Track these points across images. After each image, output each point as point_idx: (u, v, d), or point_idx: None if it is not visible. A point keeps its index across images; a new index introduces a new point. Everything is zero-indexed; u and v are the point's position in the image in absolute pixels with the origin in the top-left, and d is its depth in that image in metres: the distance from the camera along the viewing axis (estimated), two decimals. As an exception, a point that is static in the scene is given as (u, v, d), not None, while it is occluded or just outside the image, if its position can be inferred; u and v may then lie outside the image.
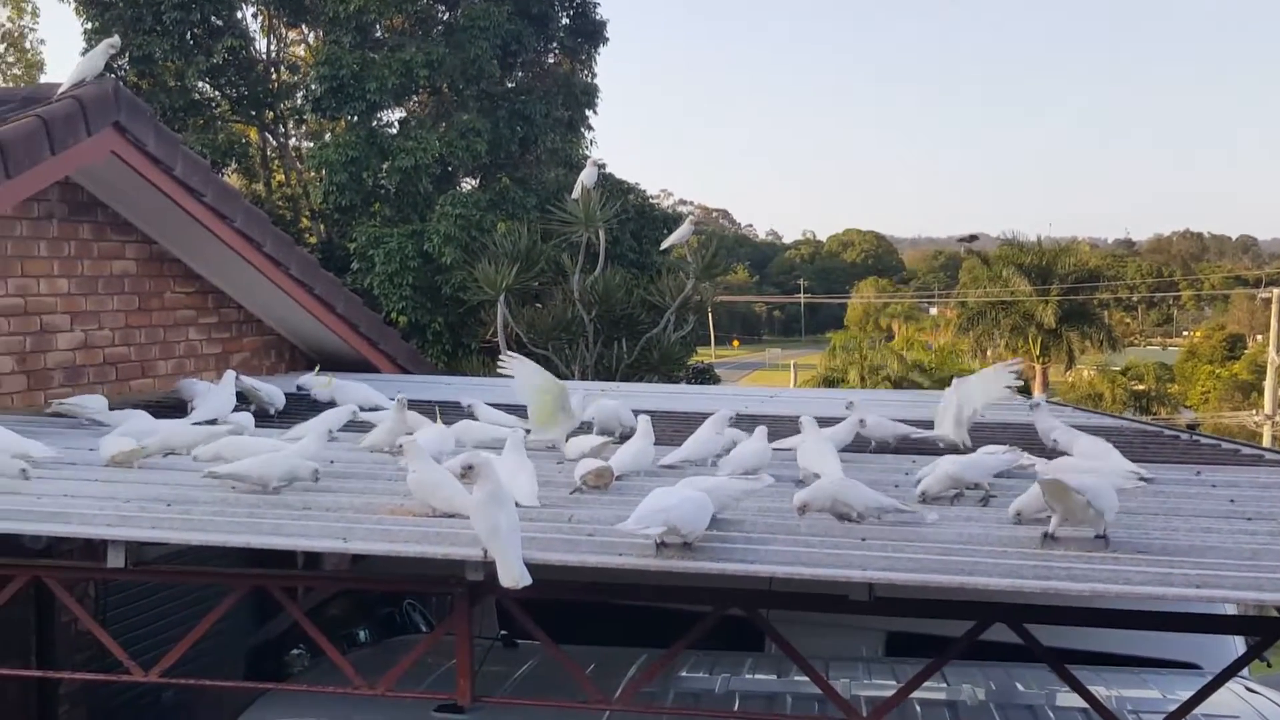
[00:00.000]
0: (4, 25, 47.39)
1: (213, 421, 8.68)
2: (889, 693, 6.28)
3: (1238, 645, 8.05)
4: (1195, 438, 9.79)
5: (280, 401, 9.80)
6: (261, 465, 6.75)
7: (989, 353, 56.59)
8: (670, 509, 5.34)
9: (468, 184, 31.07)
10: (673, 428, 8.87)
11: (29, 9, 47.22)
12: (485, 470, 5.44)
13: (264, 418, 9.32)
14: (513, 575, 5.20)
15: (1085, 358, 57.55)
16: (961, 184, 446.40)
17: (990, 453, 7.19)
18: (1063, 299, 53.52)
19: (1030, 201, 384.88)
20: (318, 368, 10.81)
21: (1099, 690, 7.07)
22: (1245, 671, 8.12)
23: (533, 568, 5.32)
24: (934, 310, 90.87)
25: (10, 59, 47.21)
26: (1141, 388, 57.41)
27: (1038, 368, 54.13)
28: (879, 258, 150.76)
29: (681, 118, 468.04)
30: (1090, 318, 55.11)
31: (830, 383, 50.84)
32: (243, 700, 7.55)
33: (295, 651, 10.01)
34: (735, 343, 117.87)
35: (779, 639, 6.06)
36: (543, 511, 6.26)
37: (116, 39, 11.29)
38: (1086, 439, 7.59)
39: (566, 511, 6.24)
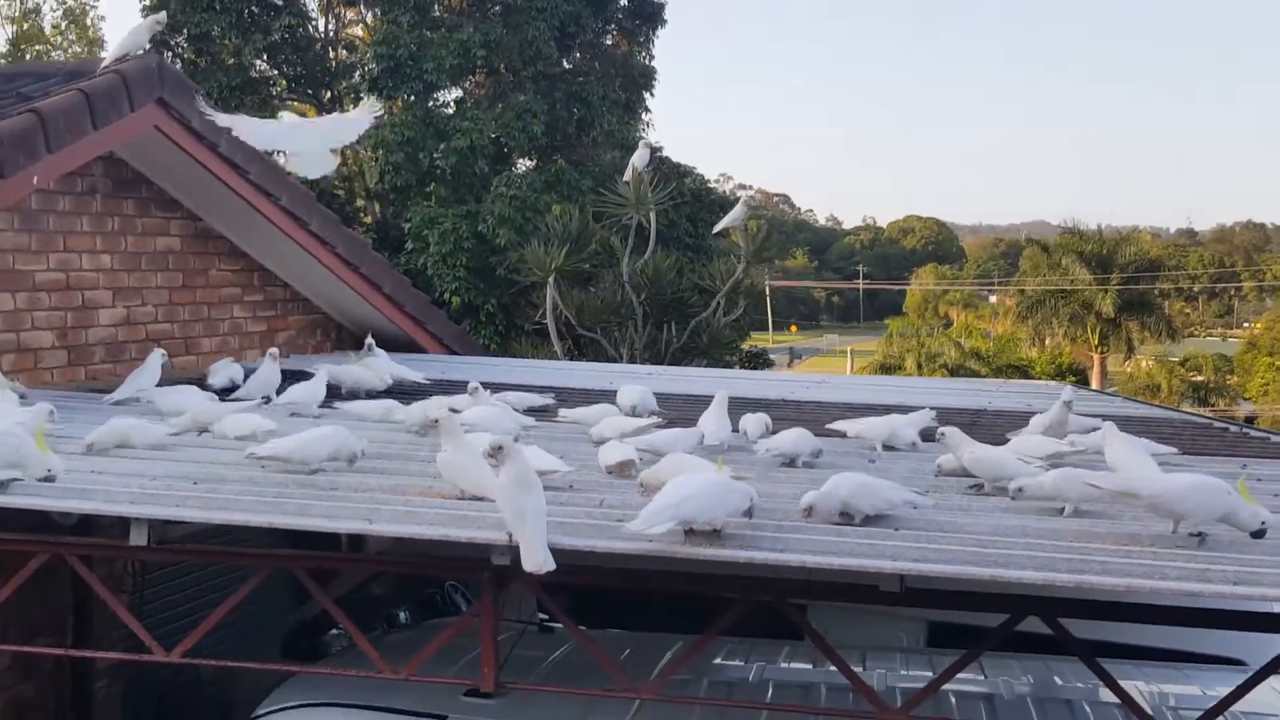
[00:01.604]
0: (66, 2, 47.85)
1: (268, 400, 8.68)
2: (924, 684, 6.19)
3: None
4: (1245, 430, 9.60)
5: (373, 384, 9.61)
6: (303, 446, 6.68)
7: (1047, 340, 56.11)
8: (680, 503, 5.25)
9: (523, 165, 31.06)
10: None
11: (89, -14, 47.68)
12: (512, 452, 5.37)
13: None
14: (536, 560, 5.11)
15: (1144, 348, 56.83)
16: (1023, 171, 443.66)
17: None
18: (1122, 288, 52.94)
19: (1093, 189, 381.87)
20: (369, 343, 10.56)
21: (1139, 685, 7.05)
22: None
23: (564, 553, 5.24)
24: (993, 298, 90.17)
25: (72, 35, 47.70)
26: (1200, 379, 56.79)
27: (1096, 357, 53.68)
28: (939, 244, 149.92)
29: (742, 102, 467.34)
30: (1150, 307, 54.47)
31: (887, 369, 50.66)
32: (277, 678, 7.55)
33: (334, 632, 10.02)
34: (794, 328, 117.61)
35: (809, 629, 5.98)
36: (573, 496, 6.18)
37: (163, 15, 11.27)
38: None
39: (597, 495, 6.16)
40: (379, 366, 9.77)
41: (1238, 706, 6.41)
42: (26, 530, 6.48)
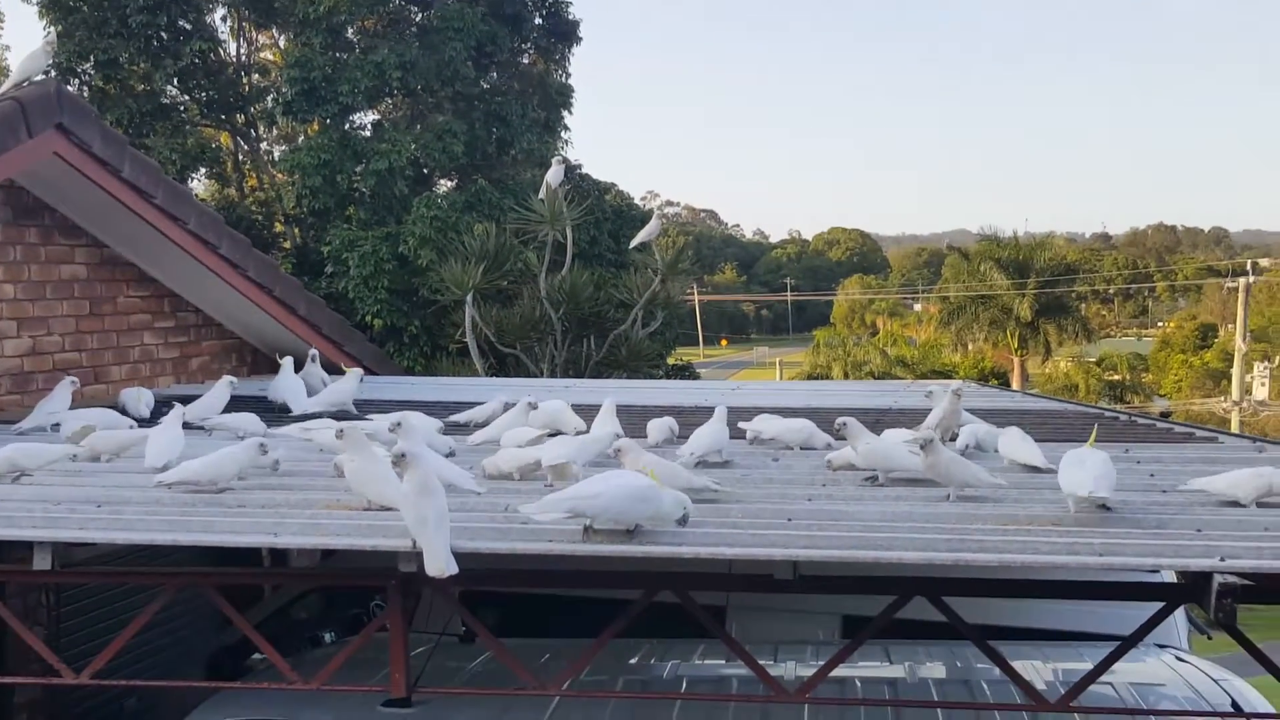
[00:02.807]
0: (-34, 32, 47.22)
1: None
2: (839, 674, 6.36)
3: (1179, 620, 8.28)
4: (1133, 418, 10.08)
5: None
6: (211, 466, 6.69)
7: (970, 346, 56.89)
8: (579, 498, 5.34)
9: (444, 185, 31.01)
10: (628, 420, 8.88)
11: (-8, 15, 47.02)
12: (414, 460, 5.43)
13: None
14: (438, 564, 5.19)
15: (1062, 349, 57.74)
16: (944, 181, 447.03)
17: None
18: (1039, 292, 53.71)
19: (1010, 197, 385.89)
20: (277, 355, 10.63)
21: (1035, 663, 7.39)
22: (1183, 643, 8.49)
23: (470, 557, 5.34)
24: (917, 306, 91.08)
25: (-26, 65, 47.08)
26: (1116, 378, 57.76)
27: (1016, 360, 54.41)
28: (864, 255, 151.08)
29: (668, 120, 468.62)
30: (1066, 310, 55.44)
31: (814, 379, 50.96)
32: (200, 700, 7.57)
33: (257, 656, 10.03)
34: (723, 342, 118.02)
35: (707, 619, 6.11)
36: (478, 501, 6.26)
37: (54, 35, 11.24)
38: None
39: (502, 501, 6.24)
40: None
41: (1129, 678, 6.70)
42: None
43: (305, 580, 8.71)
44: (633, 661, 8.01)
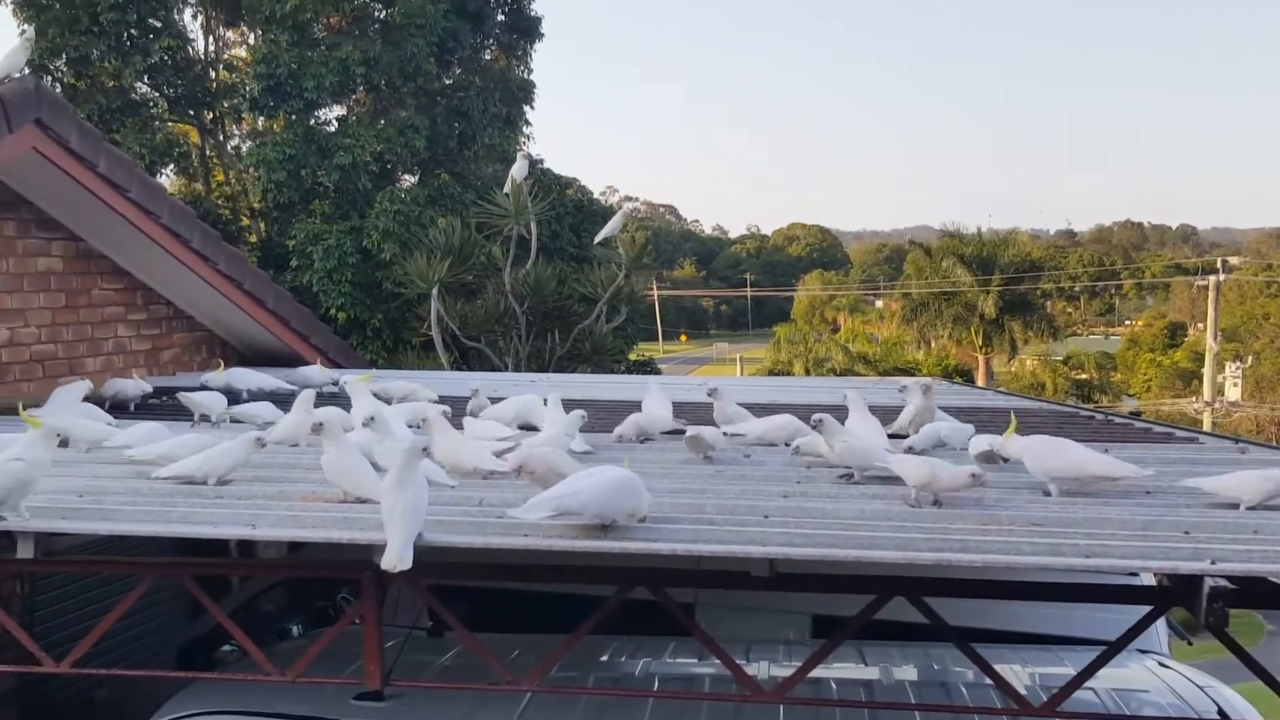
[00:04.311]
0: (-61, 28, 47.12)
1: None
2: (812, 674, 6.38)
3: (1159, 627, 8.23)
4: (1110, 418, 10.00)
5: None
6: (206, 462, 6.73)
7: (932, 343, 56.93)
8: (566, 496, 5.40)
9: (407, 180, 31.15)
10: (595, 415, 8.96)
11: (-36, 14, 46.92)
12: (411, 458, 5.48)
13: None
14: (393, 557, 5.20)
15: (1028, 348, 57.72)
16: (904, 177, 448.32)
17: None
18: (1004, 289, 53.76)
19: (973, 194, 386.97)
20: (220, 365, 10.76)
21: (1015, 667, 7.30)
22: (1166, 650, 8.34)
23: (456, 551, 5.43)
24: (879, 303, 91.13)
25: (-54, 62, 46.84)
26: (1084, 377, 57.58)
27: (980, 358, 54.47)
28: (824, 251, 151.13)
29: (626, 116, 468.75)
30: (1032, 308, 55.45)
31: (775, 375, 51.01)
32: (173, 691, 7.60)
33: (227, 647, 10.07)
34: (683, 337, 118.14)
35: (683, 617, 6.13)
36: (453, 495, 6.32)
37: (31, 32, 11.31)
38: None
39: (477, 495, 6.30)
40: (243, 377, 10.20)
41: (1111, 684, 6.67)
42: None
43: (280, 571, 8.75)
44: (603, 659, 8.01)
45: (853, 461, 6.76)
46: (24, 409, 7.24)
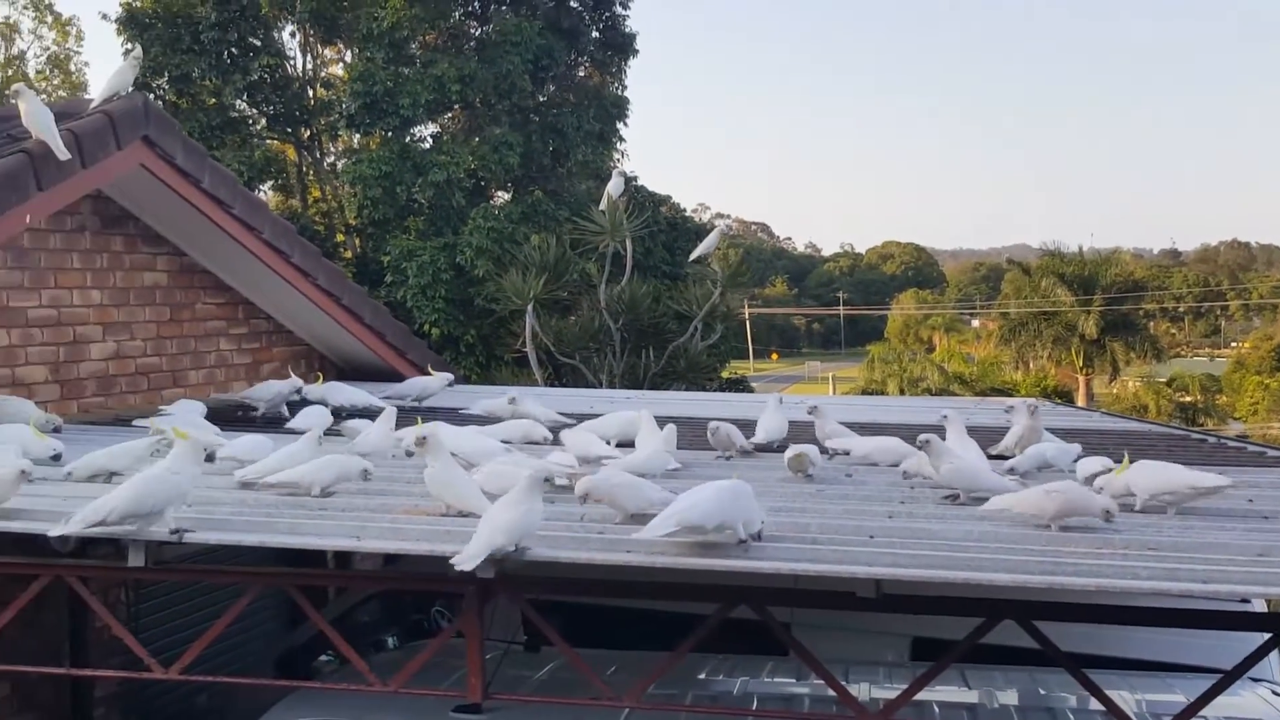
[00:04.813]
0: (50, 49, 48.01)
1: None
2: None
3: (1272, 655, 8.03)
4: (1222, 440, 9.82)
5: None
6: (310, 471, 6.83)
7: (1031, 363, 56.24)
8: (685, 510, 5.41)
9: (500, 197, 31.31)
10: (692, 432, 8.93)
11: (73, 32, 47.90)
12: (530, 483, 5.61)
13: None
14: (463, 555, 5.37)
15: (1130, 369, 56.77)
16: (1002, 195, 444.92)
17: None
18: (1105, 309, 52.95)
19: (1074, 212, 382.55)
20: (320, 377, 10.95)
21: (1123, 693, 7.10)
22: (1278, 677, 8.13)
23: (548, 565, 5.44)
24: (975, 322, 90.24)
25: (56, 81, 47.78)
26: (1188, 399, 56.39)
27: (1081, 379, 53.68)
28: (919, 269, 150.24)
29: (721, 132, 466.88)
30: (1134, 328, 54.48)
31: (868, 394, 50.65)
32: (271, 700, 7.65)
33: (324, 657, 10.12)
34: (774, 355, 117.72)
35: (786, 636, 6.09)
36: (556, 510, 6.31)
37: (139, 50, 11.46)
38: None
39: (579, 510, 6.30)
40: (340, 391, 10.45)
41: (1225, 713, 6.48)
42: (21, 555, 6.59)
43: (385, 583, 8.82)
44: (700, 676, 7.97)
45: (960, 484, 6.69)
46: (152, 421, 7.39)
